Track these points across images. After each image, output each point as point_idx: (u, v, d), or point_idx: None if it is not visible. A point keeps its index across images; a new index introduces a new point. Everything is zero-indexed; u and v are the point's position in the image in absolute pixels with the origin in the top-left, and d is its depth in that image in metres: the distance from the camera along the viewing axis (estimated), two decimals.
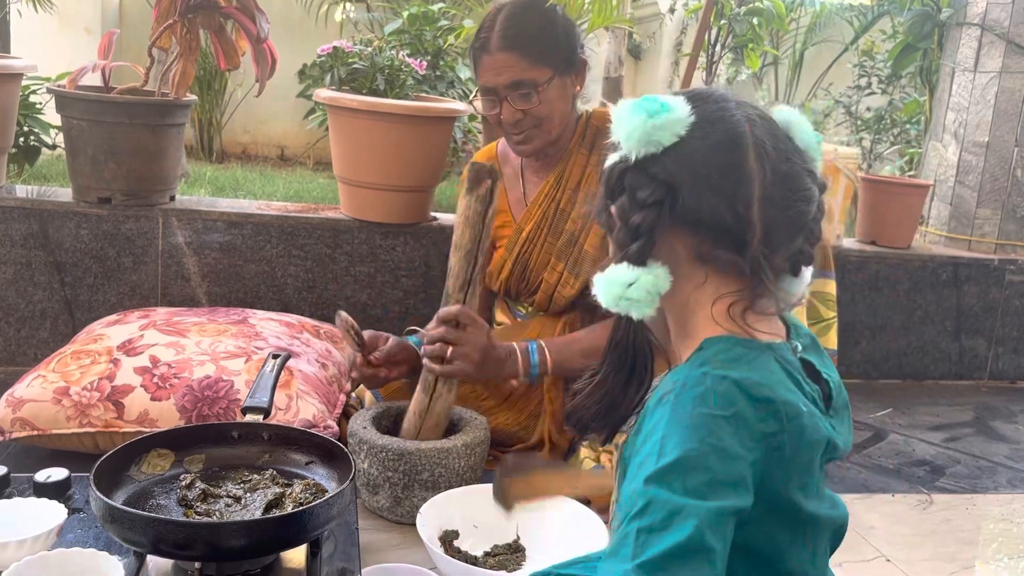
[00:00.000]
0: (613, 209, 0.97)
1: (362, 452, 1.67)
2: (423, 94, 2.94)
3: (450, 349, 1.66)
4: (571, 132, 1.92)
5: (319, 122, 4.25)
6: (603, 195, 0.99)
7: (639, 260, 0.94)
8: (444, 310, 1.69)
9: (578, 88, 1.89)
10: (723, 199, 0.93)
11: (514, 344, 1.77)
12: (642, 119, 0.92)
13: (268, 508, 1.32)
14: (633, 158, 0.94)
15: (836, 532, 1.02)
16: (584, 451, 1.84)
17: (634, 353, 0.99)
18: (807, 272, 1.00)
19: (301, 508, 1.27)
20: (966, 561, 1.81)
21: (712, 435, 0.84)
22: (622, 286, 0.94)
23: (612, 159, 0.98)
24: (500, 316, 2.10)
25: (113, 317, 2.12)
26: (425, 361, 1.69)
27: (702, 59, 4.23)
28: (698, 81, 4.67)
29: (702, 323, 0.97)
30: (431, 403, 1.71)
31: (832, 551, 1.04)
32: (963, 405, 2.81)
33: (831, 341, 1.98)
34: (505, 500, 1.33)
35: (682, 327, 0.99)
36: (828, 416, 0.98)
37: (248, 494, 1.36)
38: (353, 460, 1.39)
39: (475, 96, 1.87)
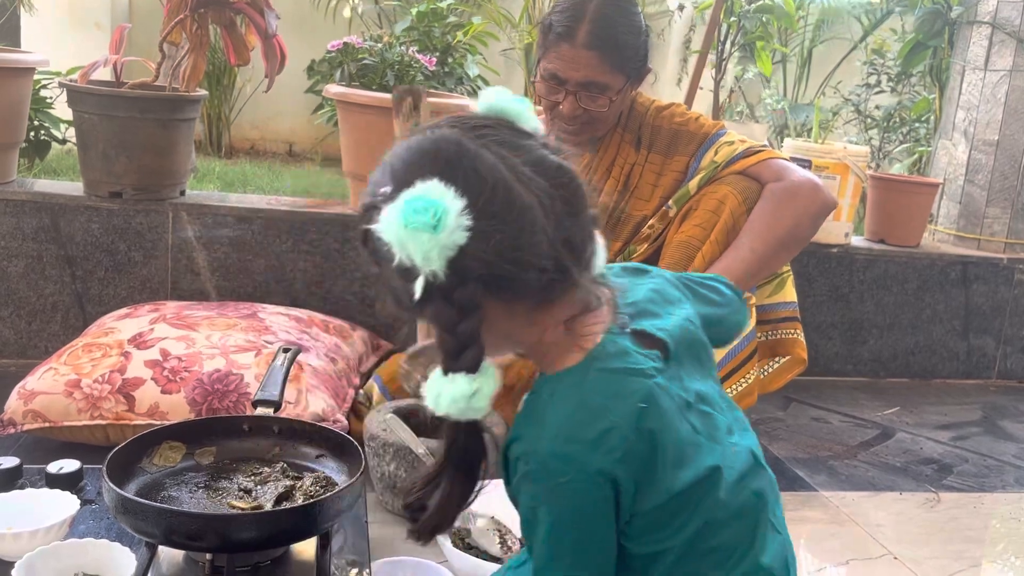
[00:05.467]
0: (428, 316, 0.88)
1: (387, 455, 1.67)
2: (432, 90, 2.95)
3: None
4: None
5: (327, 118, 4.26)
6: (401, 295, 0.88)
7: (473, 368, 0.88)
8: None
9: (635, 93, 1.90)
10: (530, 252, 0.87)
11: None
12: (429, 236, 0.82)
13: (279, 501, 1.33)
14: (439, 271, 0.83)
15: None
16: None
17: (475, 454, 0.94)
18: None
19: (311, 501, 1.27)
20: (973, 559, 1.81)
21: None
22: (465, 399, 0.87)
23: (397, 270, 0.85)
24: None
25: (123, 311, 2.13)
26: None
27: (711, 57, 4.22)
28: (707, 79, 4.64)
29: (560, 355, 0.94)
30: None
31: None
32: (971, 404, 2.80)
33: (789, 294, 1.96)
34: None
35: (546, 364, 0.96)
36: (669, 369, 0.95)
37: (259, 487, 1.37)
38: (364, 453, 1.40)
39: (535, 76, 1.83)
